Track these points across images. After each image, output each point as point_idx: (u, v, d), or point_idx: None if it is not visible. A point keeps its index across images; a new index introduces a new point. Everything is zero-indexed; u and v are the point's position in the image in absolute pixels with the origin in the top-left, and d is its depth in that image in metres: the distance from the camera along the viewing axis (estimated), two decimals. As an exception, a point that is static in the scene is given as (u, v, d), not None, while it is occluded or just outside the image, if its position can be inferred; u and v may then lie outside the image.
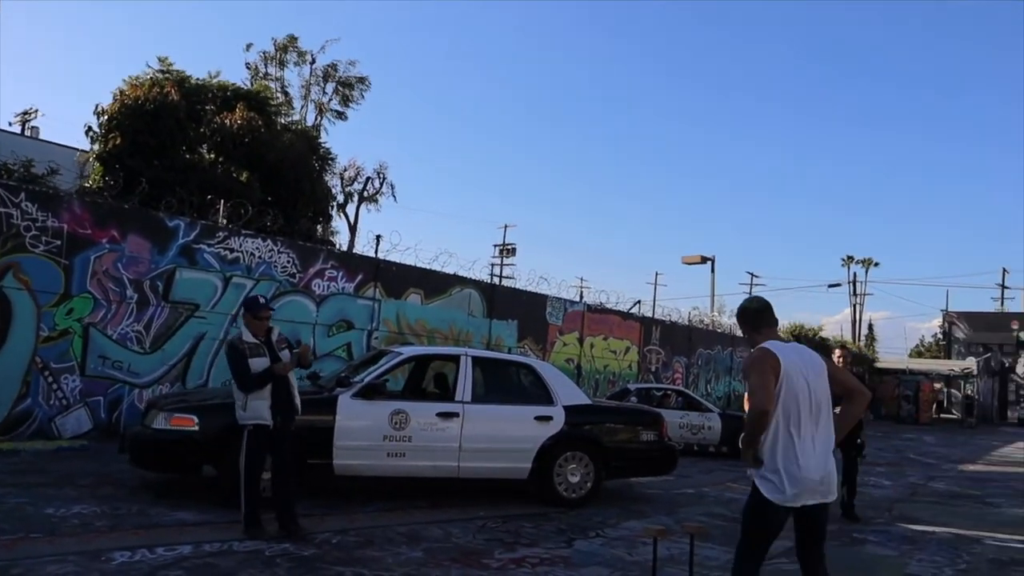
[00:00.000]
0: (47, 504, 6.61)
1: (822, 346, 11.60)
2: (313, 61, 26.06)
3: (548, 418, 8.25)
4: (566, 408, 8.39)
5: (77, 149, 21.31)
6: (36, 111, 32.95)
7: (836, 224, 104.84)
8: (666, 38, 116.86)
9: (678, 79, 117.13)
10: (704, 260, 34.71)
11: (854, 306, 54.53)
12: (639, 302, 23.27)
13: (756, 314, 4.17)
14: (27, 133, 31.65)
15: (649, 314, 23.40)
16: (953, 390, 44.80)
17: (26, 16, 78.63)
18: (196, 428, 6.99)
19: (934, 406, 41.69)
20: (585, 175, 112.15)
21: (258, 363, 6.08)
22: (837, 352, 9.21)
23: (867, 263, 56.90)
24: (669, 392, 16.63)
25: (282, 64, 25.82)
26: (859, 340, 50.38)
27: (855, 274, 55.03)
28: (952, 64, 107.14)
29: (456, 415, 7.83)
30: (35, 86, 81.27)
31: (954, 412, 42.89)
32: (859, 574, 6.17)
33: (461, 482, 8.06)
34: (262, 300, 6.53)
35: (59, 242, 10.16)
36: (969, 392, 41.66)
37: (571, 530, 7.11)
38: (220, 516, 6.52)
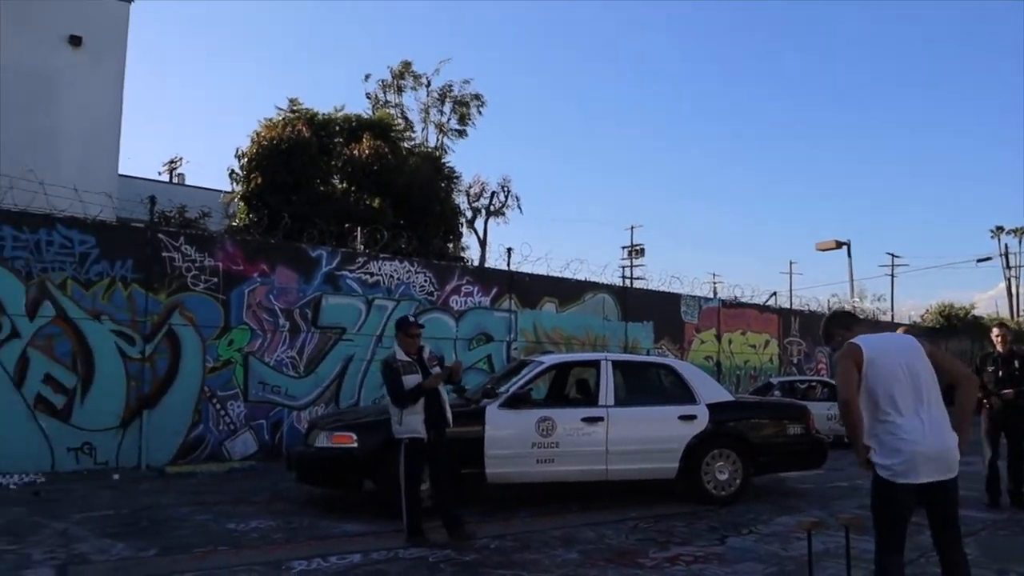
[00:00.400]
0: (228, 520, 7.16)
1: (976, 325, 10.90)
2: (429, 84, 26.92)
3: (692, 417, 8.27)
4: (709, 406, 8.39)
5: (220, 191, 22.79)
6: (181, 159, 35.32)
7: (981, 194, 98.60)
8: (785, 13, 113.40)
9: (800, 60, 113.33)
10: (839, 245, 33.37)
11: (1008, 279, 51.21)
12: (775, 293, 22.74)
13: (844, 315, 4.44)
14: (175, 180, 33.97)
15: (786, 305, 22.81)
16: None
17: (159, 71, 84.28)
18: (355, 445, 7.40)
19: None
20: (709, 168, 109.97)
21: (411, 380, 6.43)
22: (995, 331, 8.74)
23: (1020, 232, 53.39)
24: (814, 383, 16.17)
25: (400, 90, 26.77)
26: (1018, 315, 47.19)
27: (1006, 245, 51.70)
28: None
29: (601, 419, 7.97)
30: (175, 136, 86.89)
31: None
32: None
33: (610, 484, 8.19)
34: (412, 319, 6.90)
35: (216, 279, 10.95)
36: None
37: (723, 527, 7.11)
38: (383, 527, 6.89)
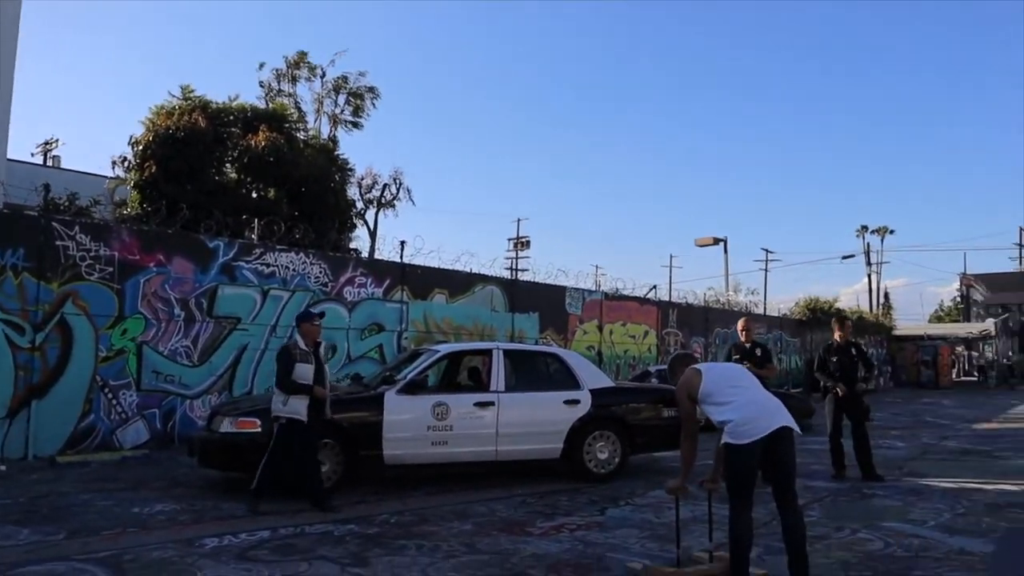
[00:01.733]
0: (131, 505, 7.38)
1: (837, 316, 12.11)
2: (323, 75, 26.82)
3: (576, 401, 8.97)
4: (592, 391, 9.10)
5: (102, 176, 22.20)
6: (57, 141, 33.91)
7: (849, 196, 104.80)
8: (667, 27, 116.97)
9: (681, 64, 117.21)
10: (717, 241, 35.32)
11: (869, 276, 54.81)
12: (655, 287, 23.91)
13: (686, 356, 5.44)
14: (49, 163, 32.58)
15: (665, 298, 24.03)
16: (973, 352, 45.16)
17: (39, 49, 79.90)
18: (259, 429, 7.73)
19: (954, 370, 42.14)
20: (594, 165, 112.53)
21: (303, 368, 7.11)
22: (835, 324, 9.98)
23: (882, 232, 57.16)
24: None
25: (294, 80, 26.58)
26: (876, 309, 50.61)
27: (868, 244, 55.28)
28: (961, 29, 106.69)
29: (492, 404, 8.56)
30: (50, 117, 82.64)
31: (975, 374, 43.26)
32: (865, 521, 6.83)
33: (500, 464, 8.80)
34: (312, 311, 7.42)
35: (111, 269, 10.94)
36: (988, 354, 42.04)
37: (603, 500, 7.82)
38: (286, 507, 7.27)
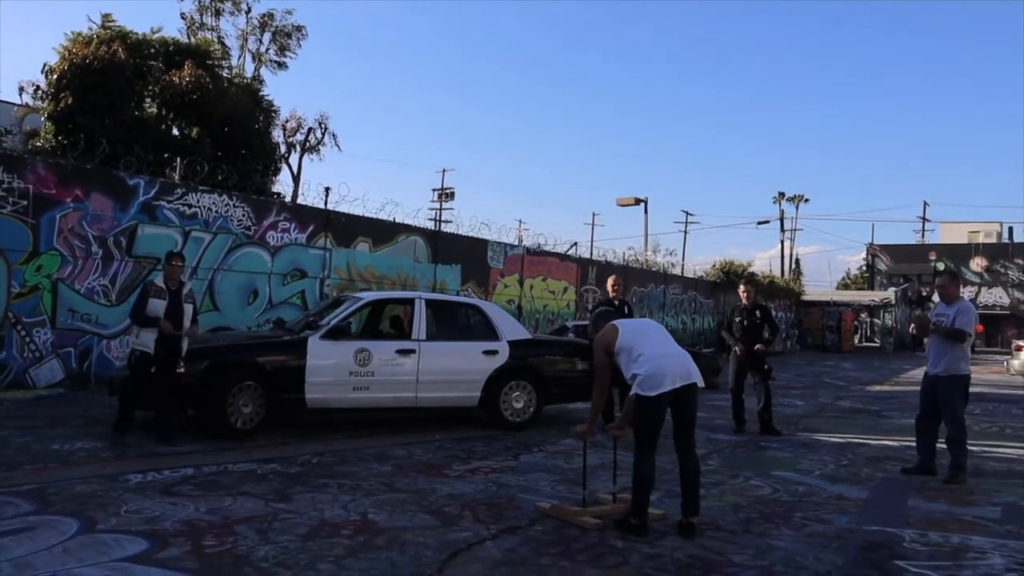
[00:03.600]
0: (51, 442, 7.42)
1: (744, 280, 12.65)
2: (249, 10, 26.06)
3: (494, 352, 9.29)
4: (510, 343, 9.44)
5: (11, 104, 21.30)
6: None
7: (768, 162, 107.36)
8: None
9: (615, 22, 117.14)
10: (638, 201, 35.95)
11: (782, 241, 56.62)
12: (575, 244, 24.41)
13: (608, 312, 5.89)
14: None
15: (586, 255, 24.54)
16: (875, 319, 47.42)
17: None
18: (182, 370, 7.80)
19: (856, 335, 44.23)
20: (522, 118, 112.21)
21: (156, 304, 7.49)
22: (741, 288, 10.55)
23: (797, 199, 58.91)
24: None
25: (218, 14, 25.74)
26: (787, 274, 52.46)
27: (783, 211, 57.00)
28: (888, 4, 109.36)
29: (413, 351, 8.81)
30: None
31: (875, 340, 45.50)
32: (758, 470, 7.38)
33: (419, 411, 9.09)
34: (175, 251, 8.27)
35: (25, 202, 10.70)
36: (888, 321, 44.23)
37: (517, 447, 8.20)
38: (209, 446, 7.44)
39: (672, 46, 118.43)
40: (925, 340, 7.73)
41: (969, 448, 7.45)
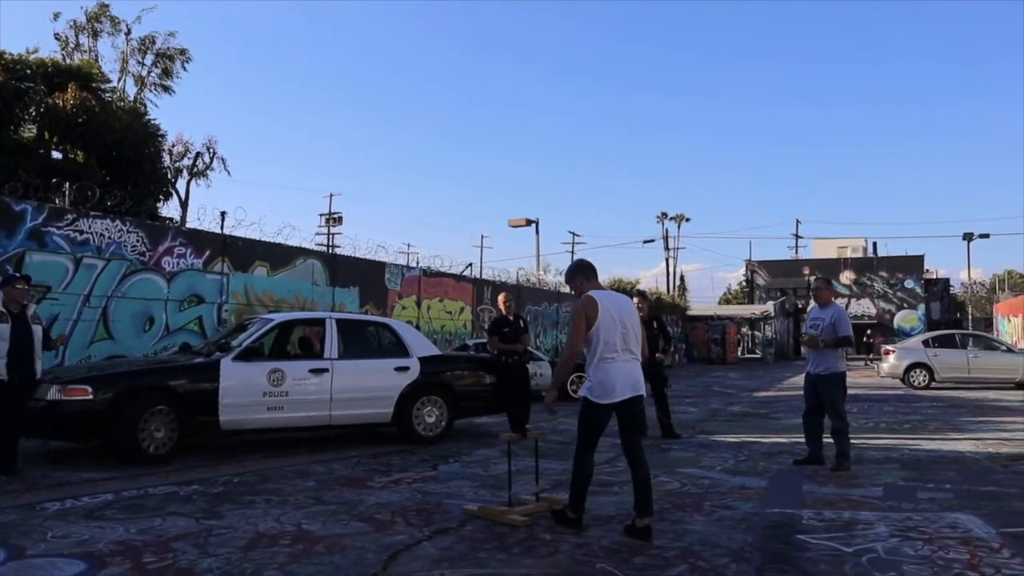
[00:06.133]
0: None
1: (638, 293, 13.39)
2: (128, 32, 25.32)
3: (406, 368, 9.49)
4: (420, 359, 9.65)
5: None
6: None
7: (650, 185, 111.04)
8: (478, 11, 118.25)
9: (495, 47, 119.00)
10: (529, 223, 36.69)
11: (667, 260, 58.62)
12: (470, 265, 24.71)
13: (588, 267, 5.63)
14: None
15: (480, 276, 24.90)
16: (756, 332, 49.73)
17: None
18: (90, 397, 7.67)
19: (739, 347, 46.22)
20: (409, 144, 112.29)
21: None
22: (636, 300, 10.94)
23: (679, 219, 61.16)
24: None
25: (95, 35, 24.93)
26: (672, 291, 54.33)
27: (667, 230, 59.06)
28: (752, 30, 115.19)
29: (326, 370, 8.92)
30: None
31: (757, 351, 47.66)
32: (665, 468, 7.83)
33: (334, 429, 9.18)
34: (16, 274, 8.12)
35: (-97, 230, 10.22)
36: (768, 333, 46.49)
37: (433, 459, 8.41)
38: (123, 472, 7.34)
39: (547, 70, 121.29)
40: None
41: (851, 439, 8.13)
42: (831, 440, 7.91)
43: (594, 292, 5.39)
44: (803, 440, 8.38)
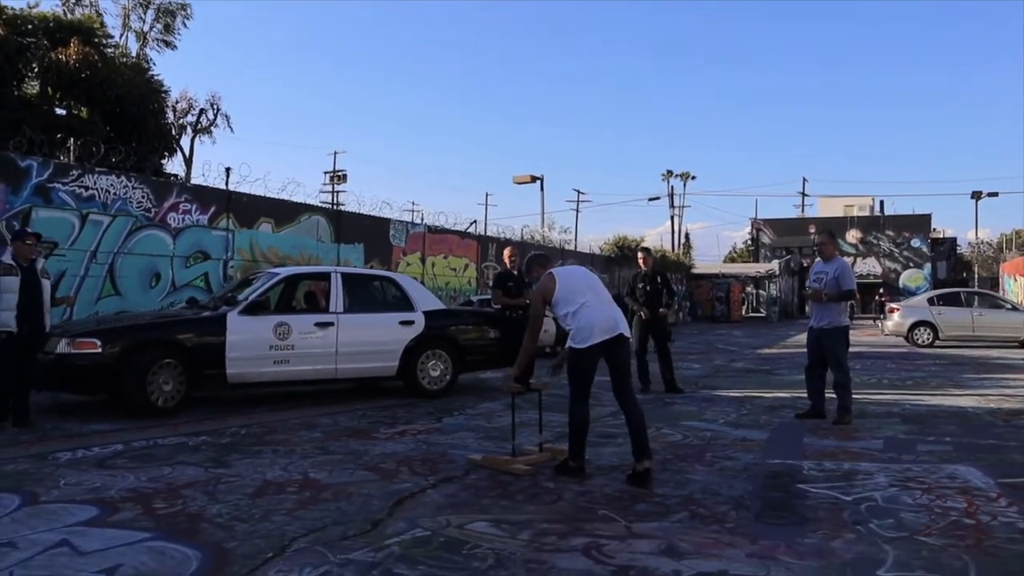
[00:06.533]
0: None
1: (642, 248, 13.28)
2: (130, -14, 25.12)
3: (410, 322, 9.54)
4: (425, 313, 9.70)
5: None
6: None
7: (656, 144, 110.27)
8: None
9: (493, 9, 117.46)
10: (534, 179, 36.53)
11: (672, 217, 58.43)
12: (475, 222, 24.66)
13: (541, 256, 6.07)
14: None
15: (484, 233, 24.89)
16: (761, 290, 49.73)
17: None
18: (99, 350, 7.75)
19: (744, 305, 46.27)
20: (415, 104, 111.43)
21: (8, 281, 7.24)
22: (640, 255, 11.00)
23: (685, 177, 60.75)
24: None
25: (97, -11, 24.72)
26: (677, 249, 54.24)
27: (672, 187, 58.78)
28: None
29: (331, 324, 8.98)
30: None
31: (762, 310, 47.71)
32: (668, 421, 7.91)
33: (339, 382, 9.27)
34: (27, 230, 7.99)
35: (-91, 185, 10.25)
36: (773, 291, 46.49)
37: (438, 412, 8.50)
38: (131, 424, 7.44)
39: (559, 32, 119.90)
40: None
41: (853, 394, 8.18)
42: (833, 396, 7.96)
43: (554, 270, 5.73)
44: (805, 395, 8.44)
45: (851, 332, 8.30)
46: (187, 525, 4.29)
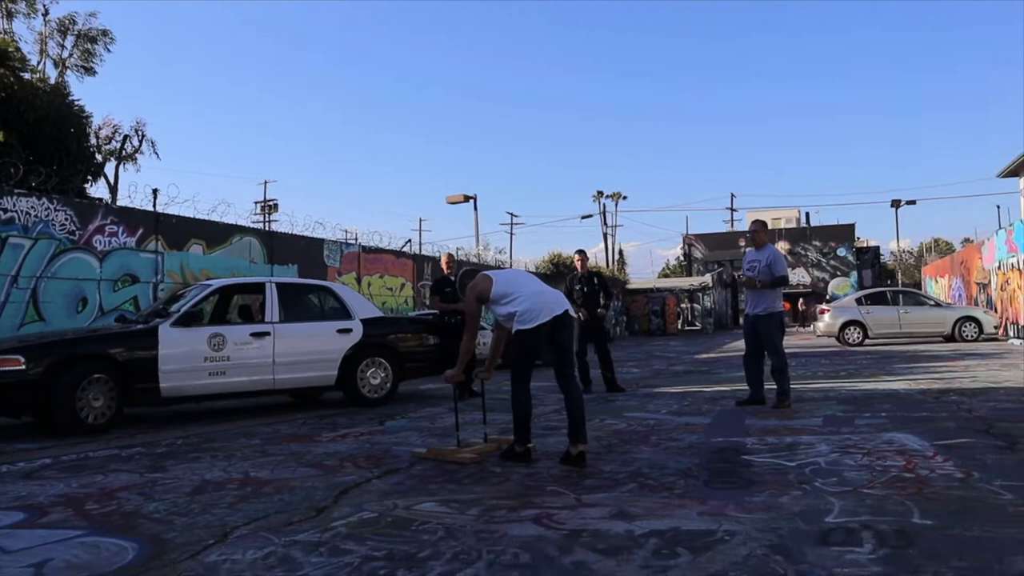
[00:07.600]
0: None
1: (578, 251, 13.43)
2: (46, 12, 24.45)
3: (348, 330, 9.40)
4: (363, 321, 9.58)
5: None
6: None
7: (587, 167, 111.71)
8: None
9: (441, 21, 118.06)
10: (467, 199, 36.48)
11: (605, 236, 59.08)
12: (409, 241, 24.55)
13: (472, 271, 6.06)
14: None
15: (420, 252, 24.77)
16: (695, 304, 50.51)
17: None
18: (23, 367, 7.41)
19: (679, 319, 46.91)
20: (344, 129, 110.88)
21: None
22: (576, 256, 11.01)
23: (616, 197, 61.57)
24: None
25: (9, 15, 23.99)
26: (612, 266, 54.78)
27: (605, 206, 59.50)
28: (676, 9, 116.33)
29: (268, 334, 8.79)
30: None
31: (697, 323, 48.44)
32: (611, 414, 7.93)
33: (277, 393, 9.07)
34: None
35: None
36: (707, 303, 47.27)
37: (380, 417, 8.37)
38: (61, 441, 7.14)
39: (487, 54, 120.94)
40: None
41: (791, 385, 8.31)
42: (773, 386, 8.09)
43: (489, 272, 5.79)
44: (745, 387, 8.56)
45: (784, 338, 8.46)
46: (122, 522, 4.12)
